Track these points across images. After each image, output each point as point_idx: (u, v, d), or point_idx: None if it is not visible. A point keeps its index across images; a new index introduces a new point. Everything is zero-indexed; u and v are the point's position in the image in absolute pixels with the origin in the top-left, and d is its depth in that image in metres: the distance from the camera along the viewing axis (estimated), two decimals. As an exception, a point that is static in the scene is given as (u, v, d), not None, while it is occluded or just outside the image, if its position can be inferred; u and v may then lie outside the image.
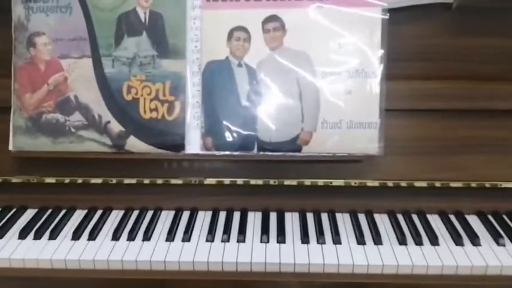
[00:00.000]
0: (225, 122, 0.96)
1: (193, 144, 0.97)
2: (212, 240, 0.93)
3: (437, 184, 1.01)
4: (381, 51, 0.95)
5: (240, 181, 1.02)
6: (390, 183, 1.01)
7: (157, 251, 0.90)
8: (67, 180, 1.03)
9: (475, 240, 0.92)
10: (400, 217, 1.00)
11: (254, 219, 1.01)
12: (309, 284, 0.88)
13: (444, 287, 0.87)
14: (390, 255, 0.89)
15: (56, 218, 1.00)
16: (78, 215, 1.02)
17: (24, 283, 0.90)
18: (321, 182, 1.01)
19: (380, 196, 1.02)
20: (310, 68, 0.95)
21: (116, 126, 0.96)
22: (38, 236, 0.94)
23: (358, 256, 0.89)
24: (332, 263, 0.87)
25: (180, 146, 0.97)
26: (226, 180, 1.02)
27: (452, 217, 1.01)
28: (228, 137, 0.97)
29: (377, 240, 0.92)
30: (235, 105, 0.96)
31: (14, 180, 1.03)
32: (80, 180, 1.03)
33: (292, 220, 1.01)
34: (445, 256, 0.88)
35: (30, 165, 1.02)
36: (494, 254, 0.89)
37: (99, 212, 1.03)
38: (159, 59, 0.96)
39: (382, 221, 1.00)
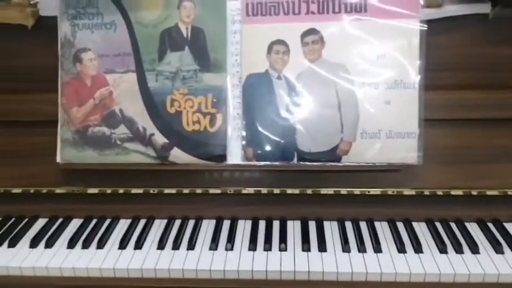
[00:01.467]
0: (265, 133, 0.99)
1: (235, 155, 1.00)
2: (254, 250, 0.96)
3: (474, 192, 1.03)
4: (419, 62, 0.96)
5: (277, 190, 1.04)
6: (427, 192, 1.03)
7: (201, 260, 0.93)
8: (109, 191, 1.06)
9: (514, 248, 0.94)
10: (438, 225, 1.02)
11: (294, 228, 1.03)
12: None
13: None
14: (431, 263, 0.91)
15: (101, 228, 1.03)
16: (123, 225, 1.05)
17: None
18: (357, 191, 1.04)
19: (417, 204, 1.04)
20: (348, 79, 0.97)
21: (160, 138, 0.99)
22: (86, 246, 0.97)
23: (399, 264, 0.91)
24: (375, 272, 0.89)
25: (222, 157, 0.99)
26: (264, 190, 1.05)
27: (490, 225, 1.02)
28: (269, 147, 0.99)
29: (417, 248, 0.94)
30: (275, 116, 0.99)
31: (58, 191, 1.07)
32: (121, 191, 1.06)
33: (331, 229, 1.03)
34: (486, 264, 0.90)
35: (75, 177, 1.06)
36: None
37: (142, 222, 1.06)
38: (201, 72, 0.98)
39: (421, 229, 1.01)
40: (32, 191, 1.07)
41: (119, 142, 1.00)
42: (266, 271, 0.91)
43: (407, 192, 1.02)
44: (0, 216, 1.08)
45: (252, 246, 0.96)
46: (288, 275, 0.91)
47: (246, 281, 0.92)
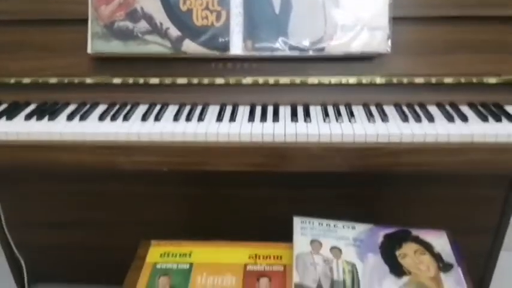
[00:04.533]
0: (262, 28, 1.19)
1: (236, 46, 1.20)
2: (253, 121, 1.17)
3: (433, 80, 1.23)
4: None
5: (271, 80, 1.25)
6: (395, 80, 1.23)
7: (210, 128, 1.13)
8: (131, 81, 1.26)
9: (464, 119, 1.15)
10: (404, 108, 1.23)
11: (285, 110, 1.24)
12: (330, 148, 1.11)
13: (441, 150, 1.09)
14: (395, 128, 1.12)
15: (124, 110, 1.24)
16: (143, 108, 1.24)
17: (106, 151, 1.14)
18: (337, 79, 1.23)
19: (387, 92, 1.24)
20: (331, -17, 1.18)
21: (174, 32, 1.19)
22: (114, 119, 1.18)
23: (369, 129, 1.12)
24: (348, 133, 1.11)
25: (226, 47, 1.20)
26: (260, 79, 1.25)
27: (447, 107, 1.23)
28: (264, 39, 1.19)
29: (384, 119, 1.15)
30: (271, 14, 1.19)
31: (88, 80, 1.27)
32: (141, 81, 1.26)
33: (315, 111, 1.23)
34: (440, 129, 1.11)
35: (102, 68, 1.26)
36: (480, 127, 1.12)
37: (158, 107, 1.26)
38: (209, -25, 1.18)
39: (390, 110, 1.21)
40: (65, 80, 1.27)
41: (140, 35, 1.20)
42: (262, 134, 1.12)
43: (378, 81, 1.24)
44: (38, 102, 1.29)
45: (251, 118, 1.17)
46: (279, 138, 1.12)
47: (246, 143, 1.13)
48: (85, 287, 1.66)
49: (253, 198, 1.44)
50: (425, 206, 1.42)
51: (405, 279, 0.99)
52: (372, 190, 1.40)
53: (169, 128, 1.14)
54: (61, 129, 1.15)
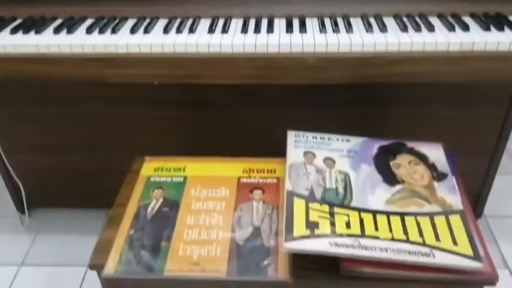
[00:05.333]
0: None
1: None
2: (246, 33, 1.12)
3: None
4: None
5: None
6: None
7: (201, 39, 1.10)
8: (119, -6, 1.22)
9: (465, 28, 1.10)
10: (404, 19, 1.17)
11: (279, 23, 1.18)
12: (326, 59, 1.08)
13: (440, 59, 1.06)
14: (394, 38, 1.08)
15: (113, 23, 1.18)
16: (132, 21, 1.20)
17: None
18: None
19: (387, 2, 1.19)
20: None
21: None
22: (102, 31, 1.13)
23: (367, 39, 1.08)
24: (346, 43, 1.07)
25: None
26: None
27: (449, 18, 1.18)
28: None
29: (383, 29, 1.11)
30: None
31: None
32: (129, -6, 1.21)
33: (311, 22, 1.18)
34: (439, 37, 1.07)
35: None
36: (481, 35, 1.07)
37: (147, 20, 1.21)
38: None
39: (389, 21, 1.16)
40: (51, -7, 1.22)
41: None
42: (255, 45, 1.08)
43: (378, -7, 1.18)
44: (24, 17, 1.24)
45: (244, 30, 1.13)
46: (273, 48, 1.08)
47: (239, 54, 1.09)
48: (84, 211, 1.68)
49: (249, 118, 1.41)
50: (424, 125, 1.39)
51: (398, 187, 0.98)
52: (368, 109, 1.37)
53: (159, 40, 1.10)
54: (48, 41, 1.11)
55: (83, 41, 1.10)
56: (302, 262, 0.90)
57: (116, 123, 1.46)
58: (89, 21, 1.21)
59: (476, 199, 1.54)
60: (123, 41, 1.10)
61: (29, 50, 1.11)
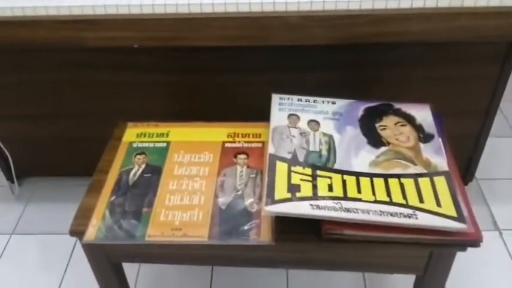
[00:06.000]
0: None
1: None
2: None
3: None
4: None
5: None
6: None
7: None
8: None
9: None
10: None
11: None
12: (311, 18, 1.04)
13: (429, 16, 1.03)
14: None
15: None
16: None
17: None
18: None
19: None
20: None
21: None
22: (78, -7, 1.10)
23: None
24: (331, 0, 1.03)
25: None
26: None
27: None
28: None
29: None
30: None
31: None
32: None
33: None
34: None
35: None
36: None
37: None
38: None
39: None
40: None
41: None
42: (237, 3, 1.04)
43: None
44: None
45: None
46: (256, 6, 1.04)
47: (220, 13, 1.05)
48: (74, 179, 1.66)
49: (235, 82, 1.37)
50: (413, 87, 1.36)
51: (383, 149, 0.96)
52: (355, 72, 1.33)
53: (137, 0, 1.06)
54: (22, 3, 1.07)
55: (59, 3, 1.07)
56: (285, 226, 0.89)
57: (99, 91, 1.42)
58: (65, -17, 1.16)
59: (468, 162, 1.52)
60: (101, 2, 1.06)
61: (2, 13, 1.07)
